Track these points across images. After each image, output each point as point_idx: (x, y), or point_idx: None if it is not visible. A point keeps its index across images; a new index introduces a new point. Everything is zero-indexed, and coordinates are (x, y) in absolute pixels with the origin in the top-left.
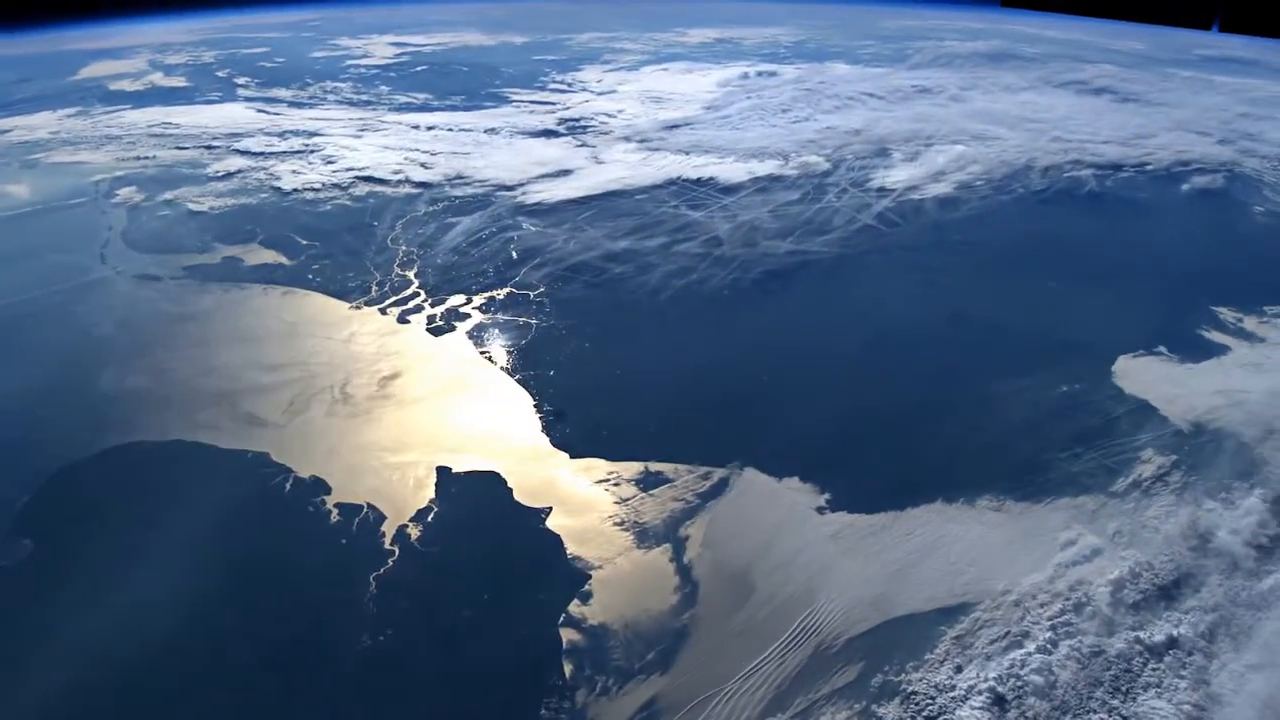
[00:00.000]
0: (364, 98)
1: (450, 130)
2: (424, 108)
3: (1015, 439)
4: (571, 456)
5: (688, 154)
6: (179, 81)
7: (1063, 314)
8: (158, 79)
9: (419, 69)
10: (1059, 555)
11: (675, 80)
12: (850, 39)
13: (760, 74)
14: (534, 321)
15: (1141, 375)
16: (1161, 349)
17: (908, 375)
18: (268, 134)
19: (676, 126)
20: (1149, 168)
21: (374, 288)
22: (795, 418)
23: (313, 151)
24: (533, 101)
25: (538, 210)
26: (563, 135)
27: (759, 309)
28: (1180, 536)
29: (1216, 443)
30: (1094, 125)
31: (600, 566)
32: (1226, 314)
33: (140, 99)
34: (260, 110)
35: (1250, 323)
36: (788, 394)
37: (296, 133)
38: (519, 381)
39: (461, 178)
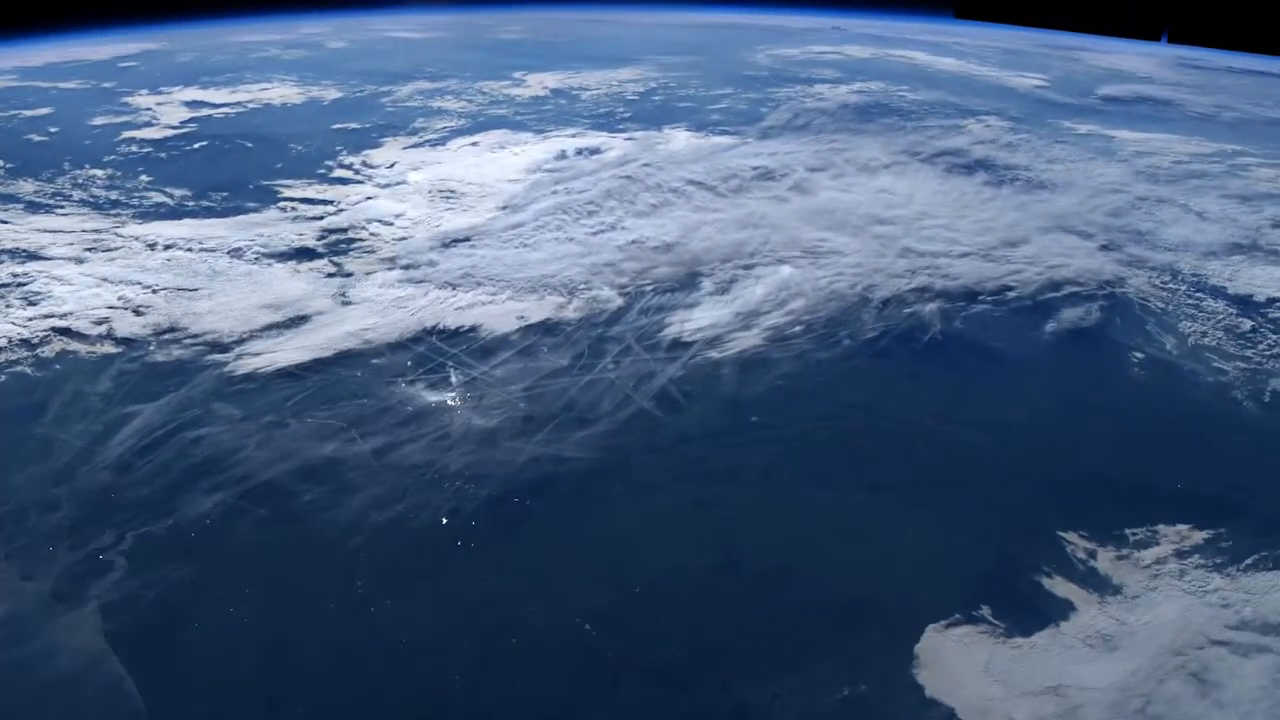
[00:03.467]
0: (113, 195)
1: (190, 251)
2: (174, 212)
3: None
4: None
5: (455, 288)
6: None
7: (864, 548)
8: None
9: (197, 145)
10: None
11: (480, 162)
12: (708, 84)
13: (581, 151)
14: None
15: (950, 664)
16: (984, 611)
17: (639, 671)
18: None
19: (456, 242)
20: (1010, 295)
21: None
22: None
23: (20, 285)
24: (303, 200)
25: (245, 390)
26: (319, 257)
27: (476, 558)
28: None
29: None
30: (955, 227)
31: None
32: (1076, 544)
33: None
34: None
35: (1104, 559)
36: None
37: (11, 254)
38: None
39: (175, 330)
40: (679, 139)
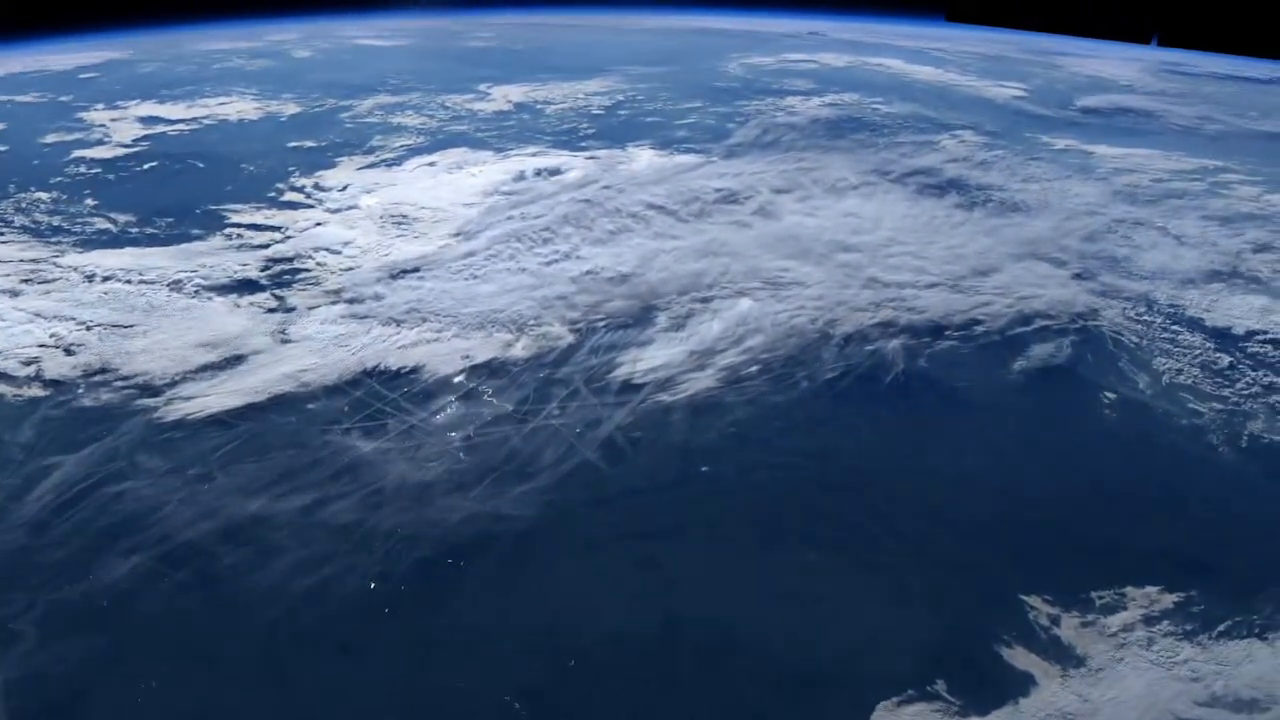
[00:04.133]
0: (56, 221)
1: (129, 283)
2: (116, 240)
3: None
4: None
5: (400, 325)
6: None
7: (814, 615)
8: None
9: (148, 166)
10: None
11: (436, 185)
12: (677, 97)
13: (540, 172)
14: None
15: None
16: (939, 686)
17: None
18: None
19: (405, 273)
20: (979, 330)
21: None
22: None
23: None
24: (250, 226)
25: (173, 439)
26: (261, 289)
27: (404, 627)
28: None
29: None
30: (923, 254)
31: None
32: (1039, 609)
33: None
34: None
35: (1068, 626)
36: None
37: None
38: None
39: (105, 372)
40: (642, 158)
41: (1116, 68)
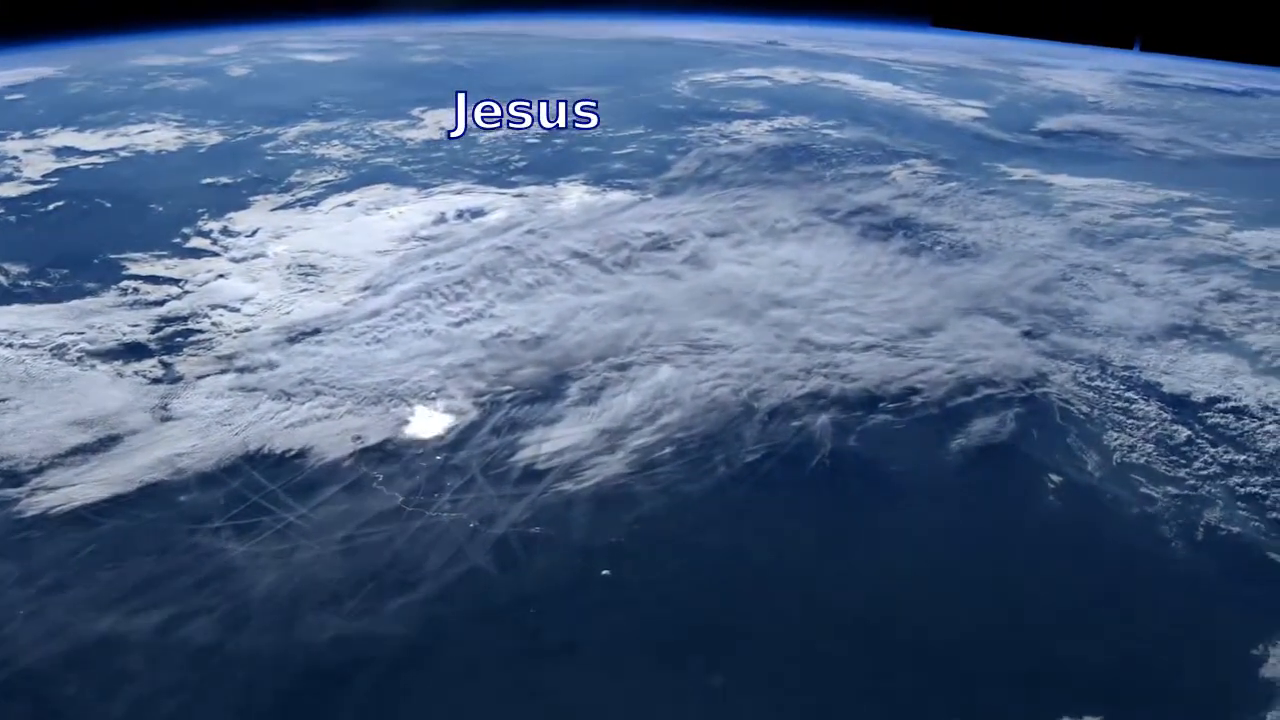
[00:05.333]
0: None
1: (10, 347)
2: (6, 295)
3: None
4: None
5: (291, 399)
6: None
7: None
8: None
9: (53, 206)
10: None
11: (351, 229)
12: (618, 122)
13: (462, 214)
14: None
15: None
16: None
17: None
18: None
19: (304, 336)
20: (916, 401)
21: None
22: None
23: None
24: (149, 278)
25: (30, 539)
26: (149, 355)
27: None
28: None
29: None
30: (862, 309)
31: None
32: None
33: None
34: None
35: None
36: None
37: None
38: None
39: None
40: (572, 196)
41: (1084, 80)
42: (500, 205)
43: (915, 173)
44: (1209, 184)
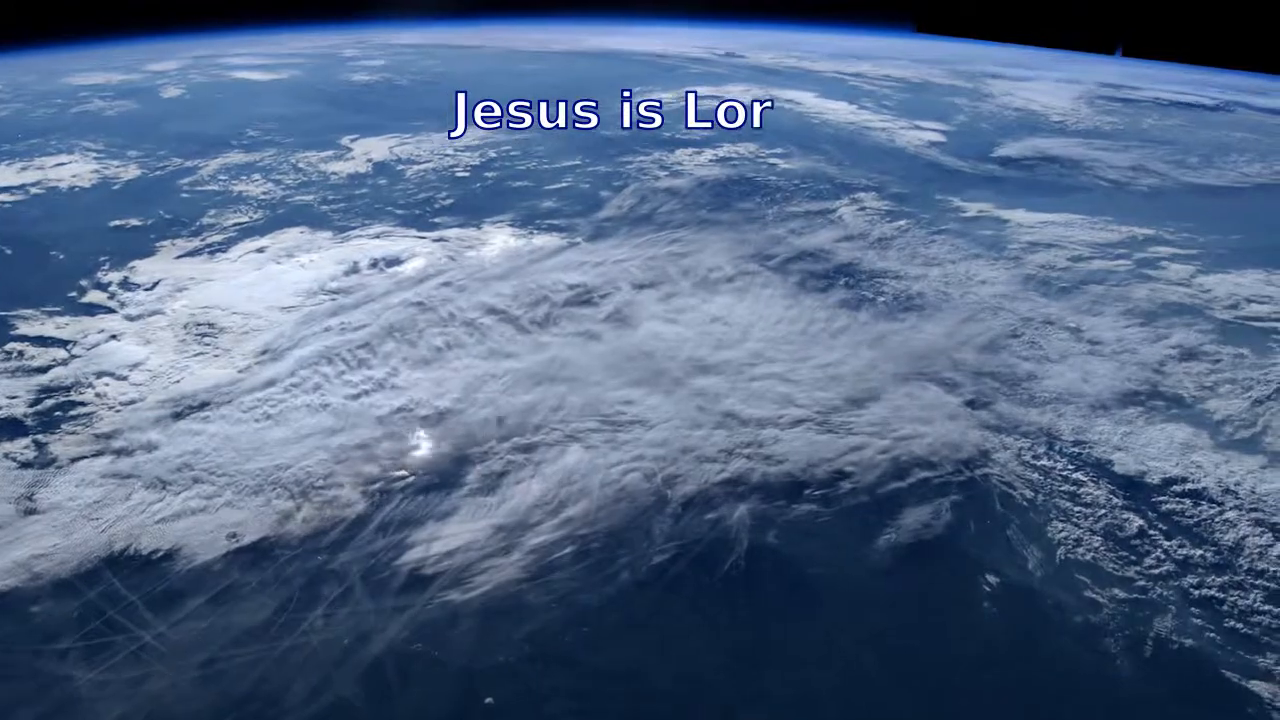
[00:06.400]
0: None
1: None
2: None
3: None
4: None
5: (166, 488)
6: None
7: None
8: None
9: None
10: None
11: (258, 280)
12: (555, 151)
13: (377, 263)
14: None
15: None
16: None
17: None
18: None
19: (191, 410)
20: (845, 487)
21: None
22: None
23: None
24: (37, 339)
25: None
26: (23, 433)
27: None
28: None
29: None
30: (794, 375)
31: None
32: None
33: None
34: None
35: None
36: None
37: None
38: None
39: None
40: (496, 241)
41: (1050, 95)
42: (419, 252)
43: (863, 209)
44: (1175, 217)
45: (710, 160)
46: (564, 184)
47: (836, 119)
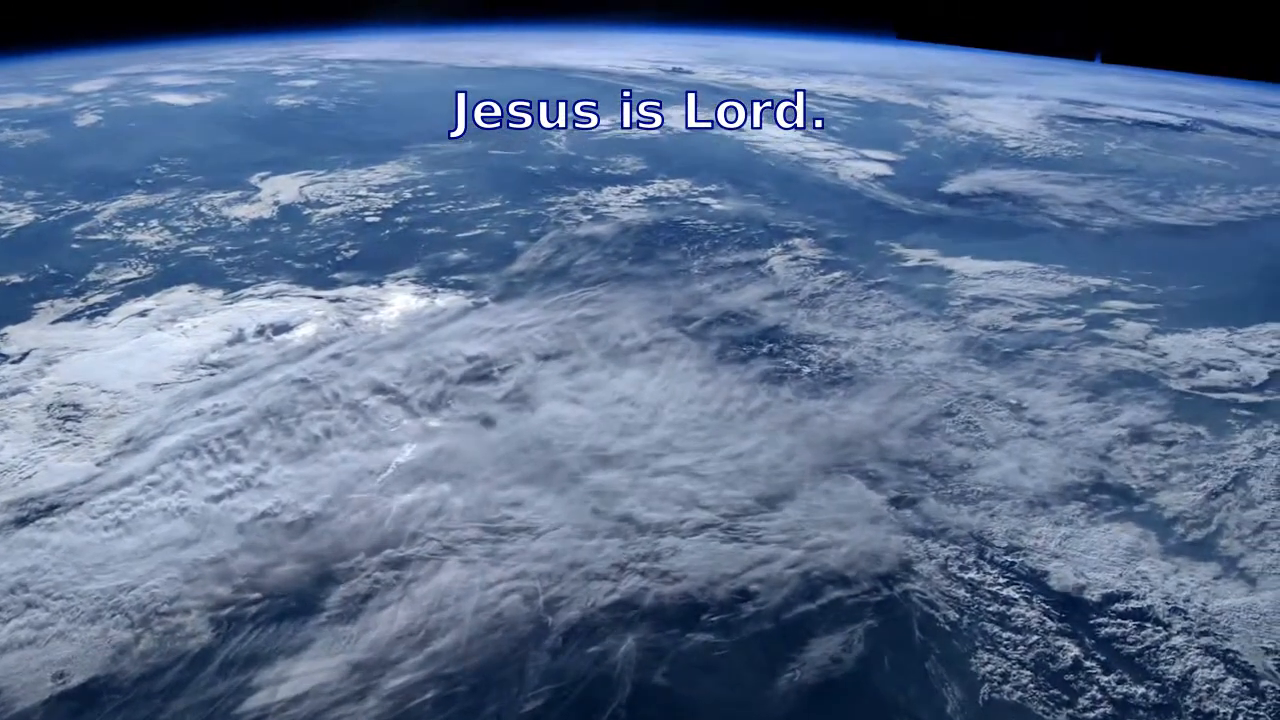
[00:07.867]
0: None
1: None
2: None
3: None
4: None
5: None
6: None
7: None
8: None
9: None
10: None
11: (135, 349)
12: (474, 191)
13: (263, 330)
14: None
15: None
16: None
17: None
18: None
19: (38, 515)
20: (748, 611)
21: None
22: None
23: None
24: None
25: None
26: None
27: None
28: None
29: None
30: (701, 469)
31: None
32: None
33: None
34: None
35: None
36: None
37: None
38: None
39: None
40: (397, 302)
41: (1009, 115)
42: (312, 315)
43: (796, 259)
44: (1132, 264)
45: (638, 200)
46: (479, 230)
47: (778, 149)
